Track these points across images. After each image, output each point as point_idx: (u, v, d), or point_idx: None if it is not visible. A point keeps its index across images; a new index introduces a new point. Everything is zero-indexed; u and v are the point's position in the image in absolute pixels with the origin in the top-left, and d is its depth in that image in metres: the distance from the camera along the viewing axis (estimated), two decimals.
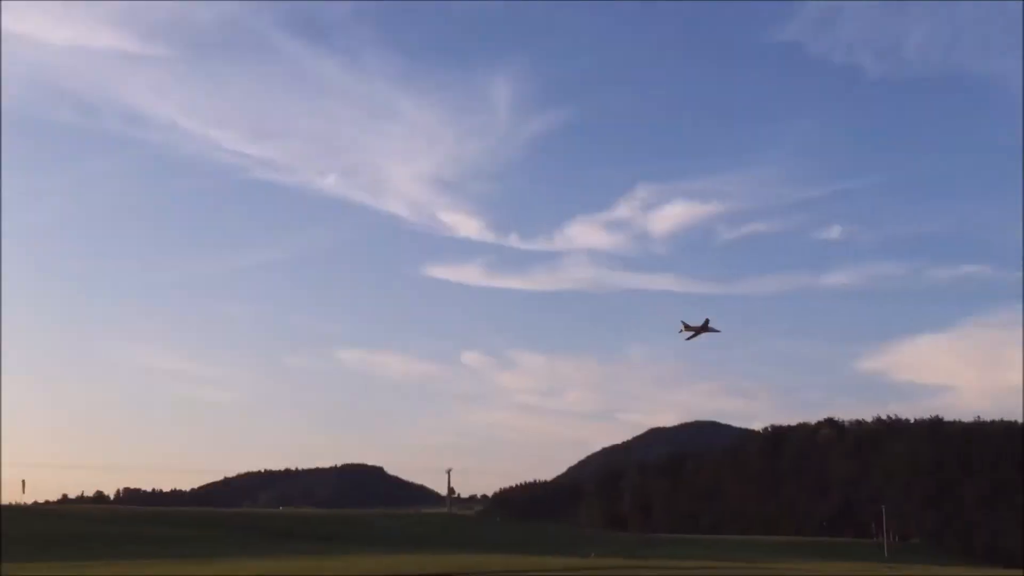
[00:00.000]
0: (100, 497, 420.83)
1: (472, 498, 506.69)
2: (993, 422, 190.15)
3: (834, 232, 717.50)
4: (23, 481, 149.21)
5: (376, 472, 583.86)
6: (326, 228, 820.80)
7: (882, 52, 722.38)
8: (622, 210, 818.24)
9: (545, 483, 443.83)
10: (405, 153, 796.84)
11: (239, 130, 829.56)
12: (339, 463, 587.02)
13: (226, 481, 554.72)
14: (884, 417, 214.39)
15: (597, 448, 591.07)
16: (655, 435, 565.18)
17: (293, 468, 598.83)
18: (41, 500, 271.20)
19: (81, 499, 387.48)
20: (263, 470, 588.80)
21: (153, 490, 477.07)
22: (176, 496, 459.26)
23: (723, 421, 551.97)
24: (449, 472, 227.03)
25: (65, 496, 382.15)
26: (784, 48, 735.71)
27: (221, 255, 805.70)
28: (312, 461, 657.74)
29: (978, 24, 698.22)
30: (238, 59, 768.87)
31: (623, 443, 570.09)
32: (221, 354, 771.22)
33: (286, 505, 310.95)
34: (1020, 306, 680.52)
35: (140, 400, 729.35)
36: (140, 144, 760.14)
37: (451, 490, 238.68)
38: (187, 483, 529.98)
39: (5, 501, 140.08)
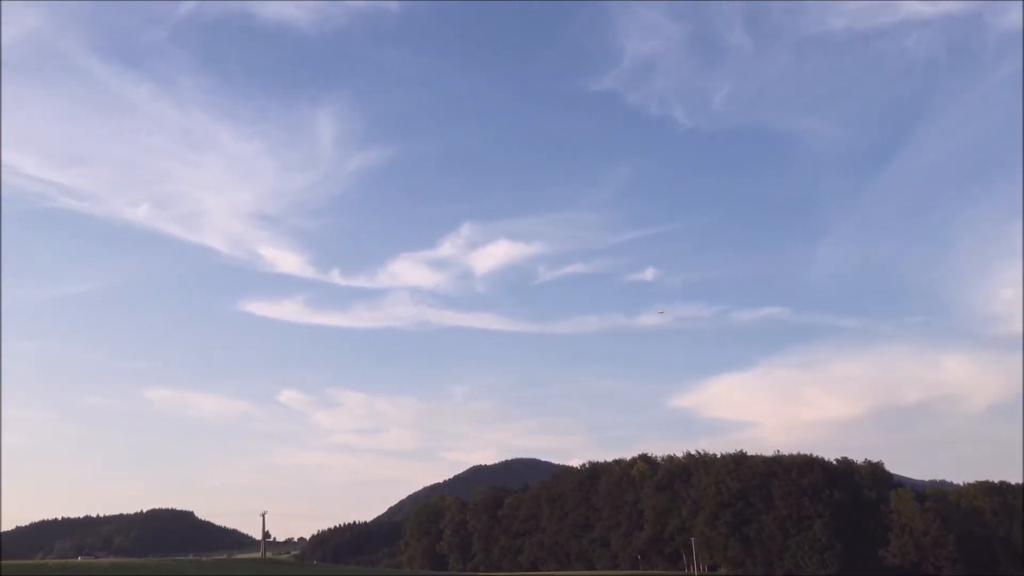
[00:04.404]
0: None
1: (289, 541, 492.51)
2: (791, 456, 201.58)
3: (647, 275, 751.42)
4: None
5: (185, 517, 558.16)
6: (136, 261, 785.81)
7: (692, 105, 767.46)
8: (446, 248, 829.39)
9: (365, 524, 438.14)
10: (223, 185, 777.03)
11: (41, 155, 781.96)
12: (144, 508, 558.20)
13: (17, 530, 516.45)
14: (693, 452, 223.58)
15: (419, 487, 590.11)
16: (476, 473, 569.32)
17: (93, 515, 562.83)
18: None
19: None
20: (59, 518, 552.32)
21: None
22: None
23: (543, 458, 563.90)
24: (264, 515, 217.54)
25: None
26: (604, 97, 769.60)
27: (16, 287, 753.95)
28: (115, 507, 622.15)
29: (778, 83, 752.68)
30: (42, 80, 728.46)
31: (444, 481, 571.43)
32: (13, 394, 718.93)
33: (85, 555, 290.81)
34: (813, 346, 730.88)
35: None
36: None
37: (266, 534, 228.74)
38: None
39: None
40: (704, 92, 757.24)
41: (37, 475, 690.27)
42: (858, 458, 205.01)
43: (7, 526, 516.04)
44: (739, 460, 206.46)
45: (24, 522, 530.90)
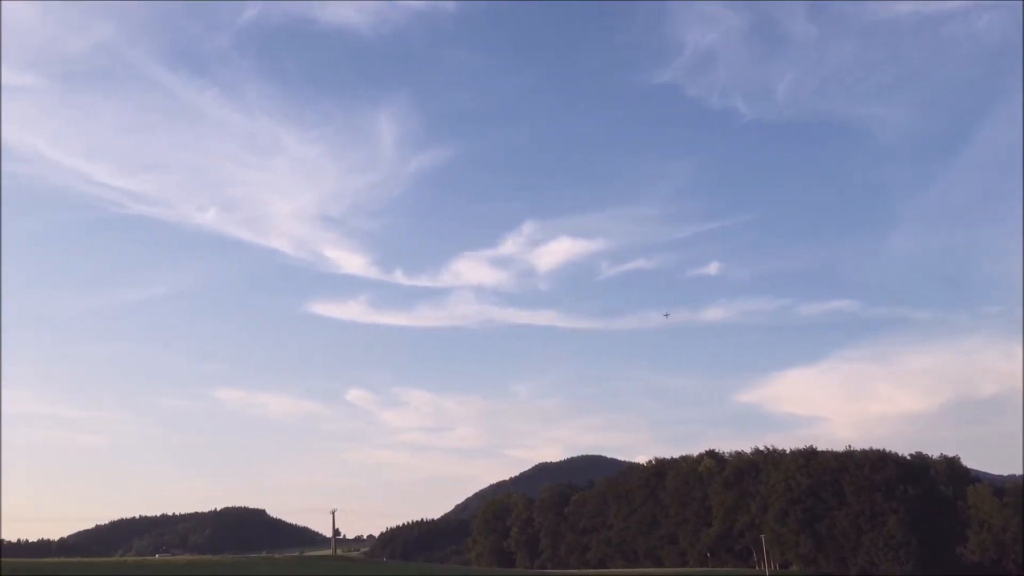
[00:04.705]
0: None
1: (358, 539, 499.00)
2: (863, 451, 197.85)
3: (711, 269, 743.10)
4: None
5: (257, 515, 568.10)
6: (205, 264, 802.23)
7: (754, 95, 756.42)
8: (508, 246, 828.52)
9: (433, 521, 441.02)
10: (287, 188, 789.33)
11: (113, 163, 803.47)
12: (218, 507, 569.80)
13: (98, 529, 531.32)
14: (761, 448, 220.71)
15: (485, 485, 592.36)
16: (542, 470, 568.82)
17: (169, 513, 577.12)
18: None
19: None
20: (137, 516, 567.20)
21: (19, 540, 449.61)
22: (44, 546, 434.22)
23: (608, 455, 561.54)
24: (334, 513, 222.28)
25: None
26: (664, 90, 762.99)
27: (93, 292, 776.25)
28: (189, 505, 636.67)
29: (844, 70, 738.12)
30: (113, 90, 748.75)
31: (510, 479, 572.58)
32: (92, 397, 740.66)
33: (162, 553, 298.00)
34: (885, 339, 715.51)
35: (5, 446, 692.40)
36: (6, 177, 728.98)
37: (336, 531, 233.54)
38: (56, 532, 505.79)
39: None
40: (766, 82, 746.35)
41: (116, 475, 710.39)
42: (933, 453, 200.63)
43: (88, 524, 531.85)
44: (809, 456, 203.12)
45: (104, 521, 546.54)
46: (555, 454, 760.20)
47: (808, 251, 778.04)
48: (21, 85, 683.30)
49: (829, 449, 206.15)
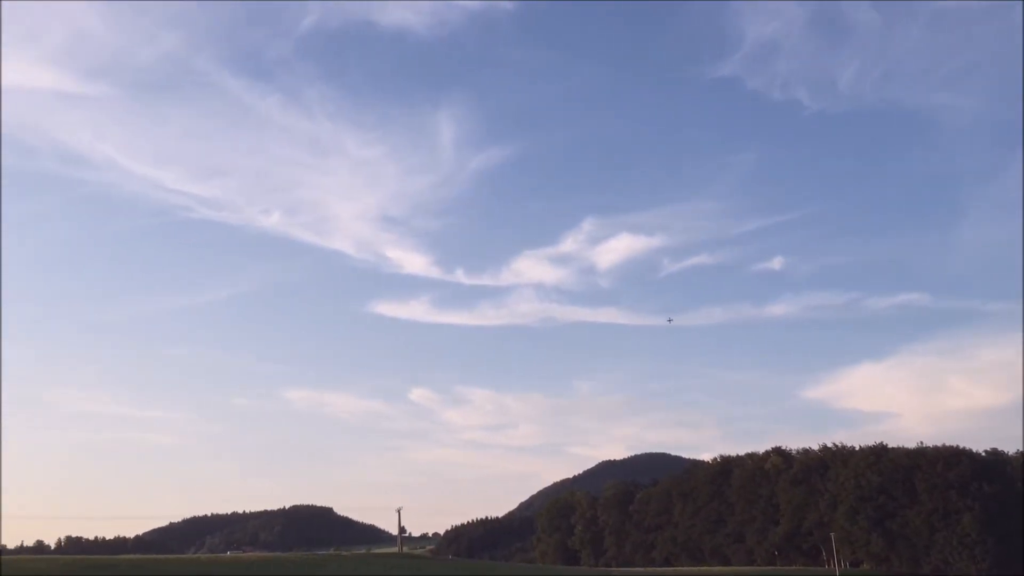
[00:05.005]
0: (40, 547, 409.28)
1: (424, 536, 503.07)
2: (936, 447, 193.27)
3: (775, 263, 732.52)
4: None
5: (325, 513, 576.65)
6: (270, 267, 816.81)
7: (817, 87, 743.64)
8: (568, 244, 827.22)
9: (497, 519, 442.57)
10: (349, 190, 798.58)
11: (181, 169, 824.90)
12: (287, 505, 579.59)
13: (171, 526, 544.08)
14: (829, 444, 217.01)
15: (548, 483, 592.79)
16: (605, 468, 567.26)
17: (240, 511, 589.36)
18: None
19: (20, 549, 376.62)
20: (209, 514, 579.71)
21: (96, 538, 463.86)
22: (119, 543, 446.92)
23: (672, 452, 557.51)
24: (399, 511, 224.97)
25: (3, 547, 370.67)
26: (724, 83, 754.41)
27: (164, 295, 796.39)
28: (259, 504, 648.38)
29: (910, 58, 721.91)
30: (180, 97, 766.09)
31: (573, 477, 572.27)
32: (164, 397, 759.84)
33: (233, 550, 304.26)
34: (957, 333, 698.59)
35: (82, 446, 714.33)
36: (78, 184, 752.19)
37: (402, 529, 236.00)
38: (131, 530, 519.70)
39: None
40: (830, 73, 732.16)
41: (188, 474, 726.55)
42: (1009, 449, 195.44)
43: (162, 522, 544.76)
44: (879, 452, 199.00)
45: (177, 518, 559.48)
46: (619, 452, 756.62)
47: (875, 244, 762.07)
48: (92, 94, 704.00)
49: (900, 446, 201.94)
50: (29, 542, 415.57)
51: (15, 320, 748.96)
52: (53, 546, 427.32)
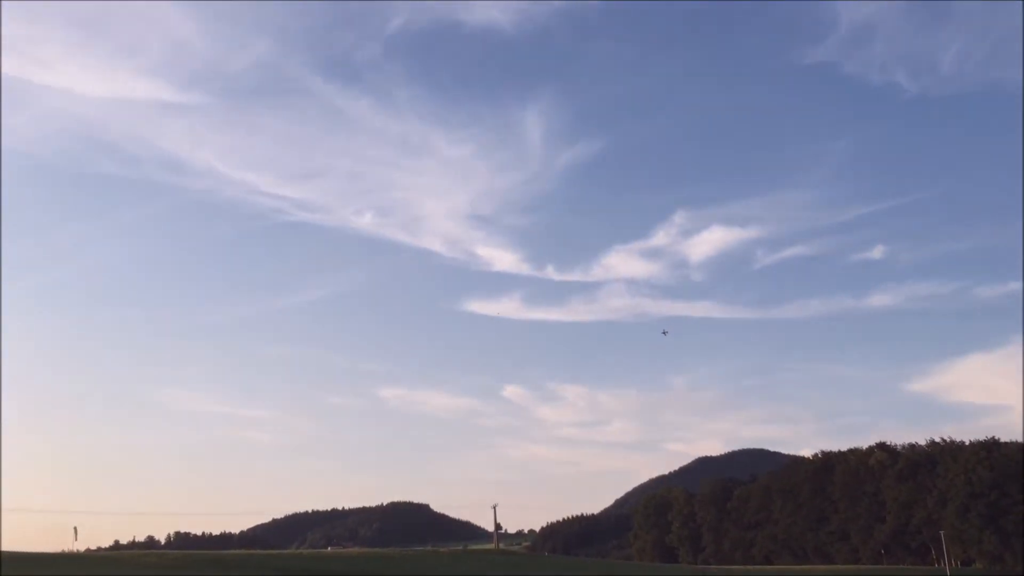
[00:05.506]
0: (151, 542, 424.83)
1: (519, 533, 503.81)
2: None
3: (876, 253, 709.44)
4: (75, 528, 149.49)
5: (422, 509, 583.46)
6: (364, 267, 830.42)
7: (917, 69, 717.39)
8: (659, 238, 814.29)
9: (593, 516, 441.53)
10: (439, 189, 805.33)
11: (276, 173, 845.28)
12: (385, 502, 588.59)
13: (273, 522, 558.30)
14: (937, 439, 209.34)
15: (644, 479, 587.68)
16: (702, 464, 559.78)
17: (340, 508, 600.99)
18: (93, 547, 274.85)
19: (133, 544, 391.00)
20: (310, 510, 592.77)
21: (203, 533, 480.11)
22: (225, 539, 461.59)
23: (771, 448, 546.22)
24: (495, 508, 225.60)
25: (117, 542, 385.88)
26: (818, 68, 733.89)
27: (262, 297, 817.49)
28: (358, 500, 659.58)
29: (1014, 36, 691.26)
30: (273, 103, 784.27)
31: (670, 473, 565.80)
32: (265, 396, 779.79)
33: (334, 545, 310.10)
34: None
35: (188, 444, 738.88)
36: (180, 191, 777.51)
37: (498, 525, 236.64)
38: (235, 525, 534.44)
39: (58, 549, 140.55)
40: (930, 54, 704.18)
41: (288, 471, 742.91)
42: None
43: (265, 518, 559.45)
44: (991, 447, 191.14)
45: (279, 515, 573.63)
46: (715, 447, 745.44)
47: (982, 230, 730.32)
48: (190, 103, 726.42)
49: (1013, 440, 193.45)
50: (140, 537, 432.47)
51: (129, 324, 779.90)
52: (163, 541, 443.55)
